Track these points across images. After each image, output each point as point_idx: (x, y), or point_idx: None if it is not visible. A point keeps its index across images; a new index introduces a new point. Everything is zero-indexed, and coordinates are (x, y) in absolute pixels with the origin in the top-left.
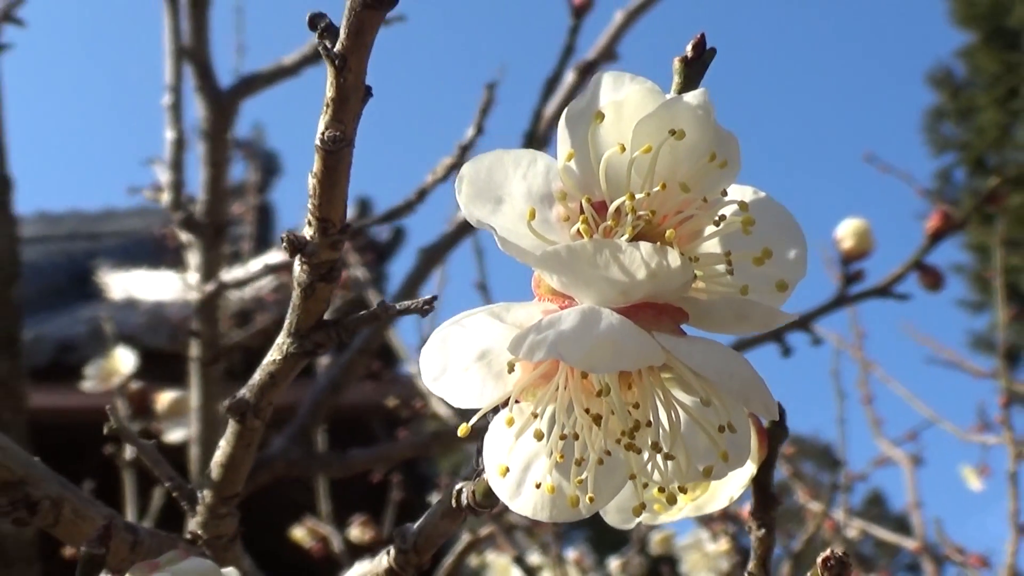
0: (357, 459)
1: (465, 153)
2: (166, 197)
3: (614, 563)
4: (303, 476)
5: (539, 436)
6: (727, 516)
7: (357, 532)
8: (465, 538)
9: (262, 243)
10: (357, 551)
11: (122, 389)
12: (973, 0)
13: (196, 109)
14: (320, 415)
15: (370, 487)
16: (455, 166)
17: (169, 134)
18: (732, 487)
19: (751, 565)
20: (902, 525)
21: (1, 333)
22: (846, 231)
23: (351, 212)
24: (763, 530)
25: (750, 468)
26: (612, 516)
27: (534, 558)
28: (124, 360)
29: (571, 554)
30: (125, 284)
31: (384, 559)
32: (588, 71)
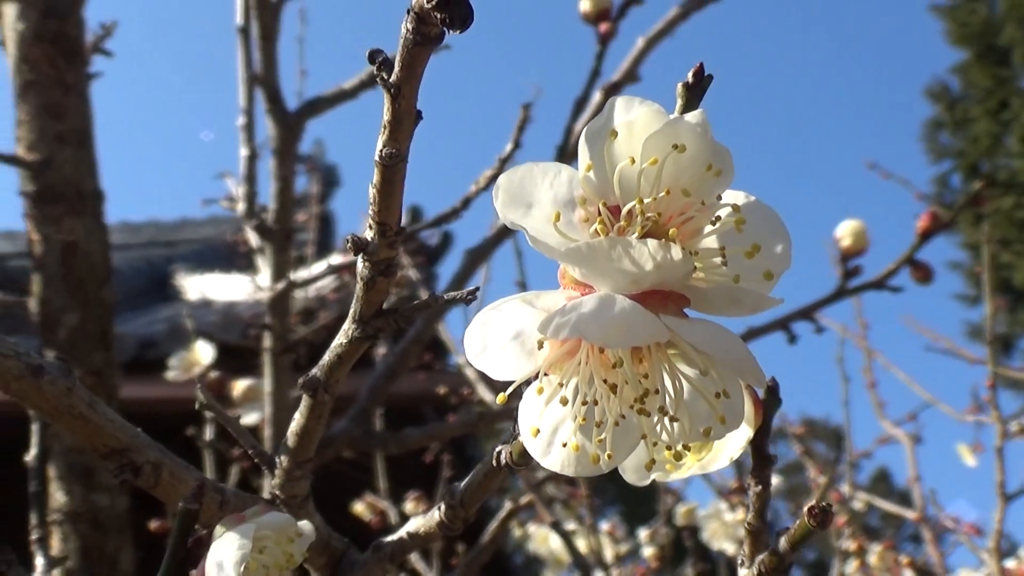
0: (411, 437)
1: (504, 165)
2: (240, 207)
3: (643, 533)
4: (363, 451)
5: (564, 403)
6: (743, 489)
7: (411, 506)
8: (507, 506)
9: (323, 248)
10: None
11: (202, 378)
12: (966, 21)
13: (266, 129)
14: (378, 399)
15: (423, 466)
16: (495, 177)
17: (243, 151)
18: (732, 448)
19: (750, 517)
20: (905, 499)
21: (95, 329)
22: (844, 231)
23: (404, 218)
24: (760, 486)
25: (747, 432)
26: (630, 475)
27: (570, 527)
28: (204, 352)
29: (604, 525)
30: (200, 286)
31: (436, 514)
32: (613, 91)
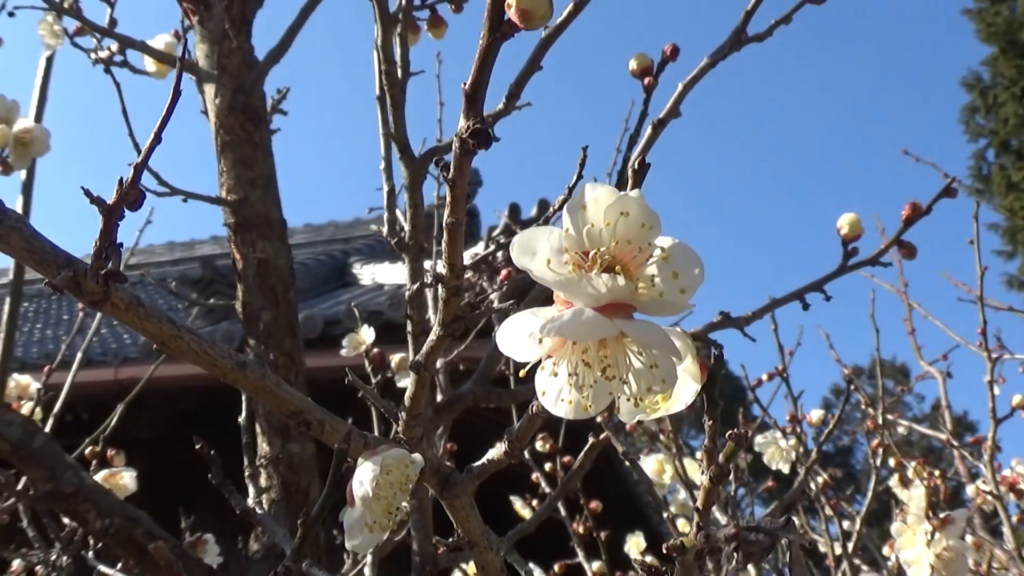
0: (520, 392)
1: (571, 192)
2: (384, 229)
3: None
4: (485, 404)
5: (559, 375)
6: (795, 419)
7: (540, 444)
8: (591, 441)
9: (470, 238)
10: (540, 459)
11: (367, 353)
12: (992, 21)
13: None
14: (494, 364)
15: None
16: (564, 202)
17: (385, 187)
18: (686, 397)
19: (706, 440)
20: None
21: (284, 322)
22: (843, 222)
23: (504, 214)
24: (711, 420)
25: (694, 386)
26: (625, 417)
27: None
28: (367, 334)
29: (698, 455)
30: (372, 274)
31: (501, 447)
32: (660, 126)
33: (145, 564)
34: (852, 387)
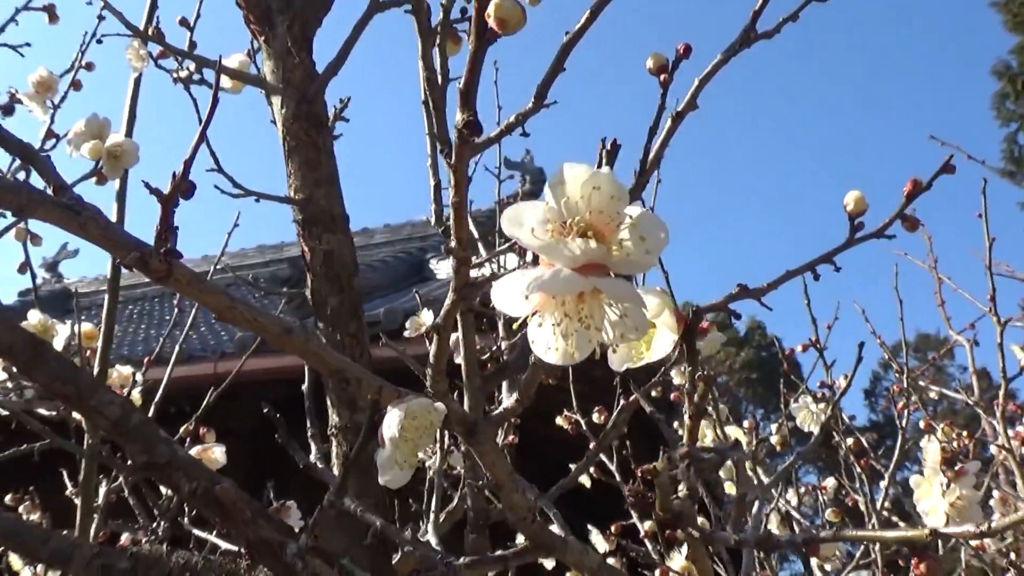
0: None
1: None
2: (432, 220)
3: (772, 427)
4: (553, 376)
5: (544, 327)
6: (824, 385)
7: (596, 416)
8: (622, 404)
9: None
10: (597, 429)
11: (427, 333)
12: (1017, 12)
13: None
14: None
15: (600, 388)
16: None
17: (431, 182)
18: (664, 346)
19: (687, 384)
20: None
21: (350, 306)
22: (849, 199)
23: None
24: (691, 367)
25: (671, 336)
26: (615, 364)
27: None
28: (426, 316)
29: (745, 423)
30: (446, 268)
31: (513, 396)
32: (679, 118)
33: (232, 524)
34: (888, 359)
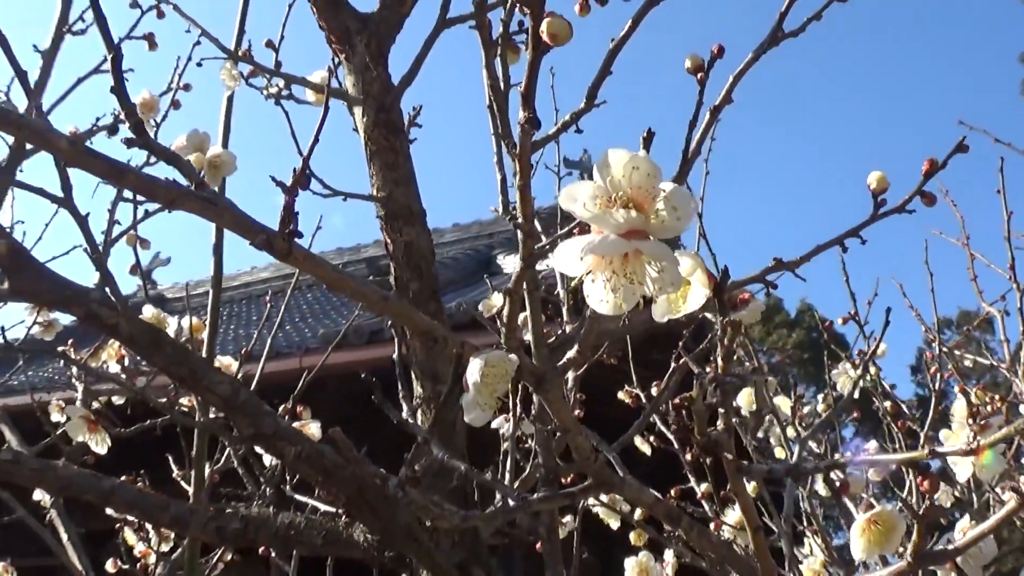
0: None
1: None
2: (499, 210)
3: (819, 396)
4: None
5: (596, 283)
6: (862, 353)
7: (654, 390)
8: (672, 367)
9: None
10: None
11: (497, 313)
12: None
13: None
14: None
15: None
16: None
17: (498, 176)
18: (698, 299)
19: (726, 339)
20: None
21: (428, 290)
22: (871, 179)
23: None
24: (724, 319)
25: (703, 291)
26: (657, 316)
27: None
28: (497, 299)
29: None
30: (513, 264)
31: (575, 349)
32: (717, 111)
33: (330, 482)
34: (925, 331)
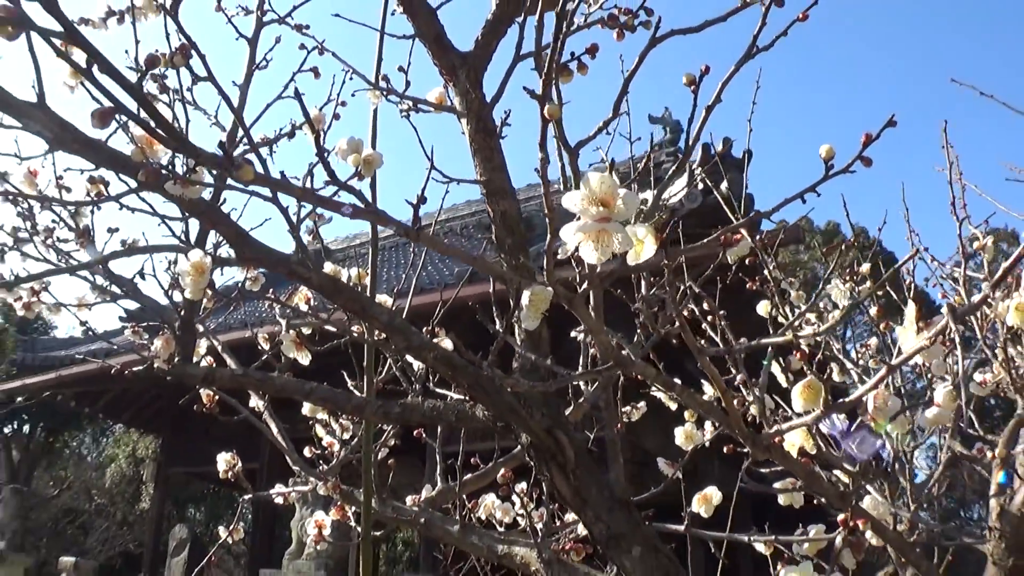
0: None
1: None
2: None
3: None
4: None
5: (585, 246)
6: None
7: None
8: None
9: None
10: None
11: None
12: None
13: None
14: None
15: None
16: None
17: (539, 156)
18: (650, 250)
19: (667, 271)
20: None
21: (519, 245)
22: (822, 149)
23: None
24: (667, 261)
25: (654, 245)
26: (629, 262)
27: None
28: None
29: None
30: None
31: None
32: (708, 111)
33: (457, 376)
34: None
